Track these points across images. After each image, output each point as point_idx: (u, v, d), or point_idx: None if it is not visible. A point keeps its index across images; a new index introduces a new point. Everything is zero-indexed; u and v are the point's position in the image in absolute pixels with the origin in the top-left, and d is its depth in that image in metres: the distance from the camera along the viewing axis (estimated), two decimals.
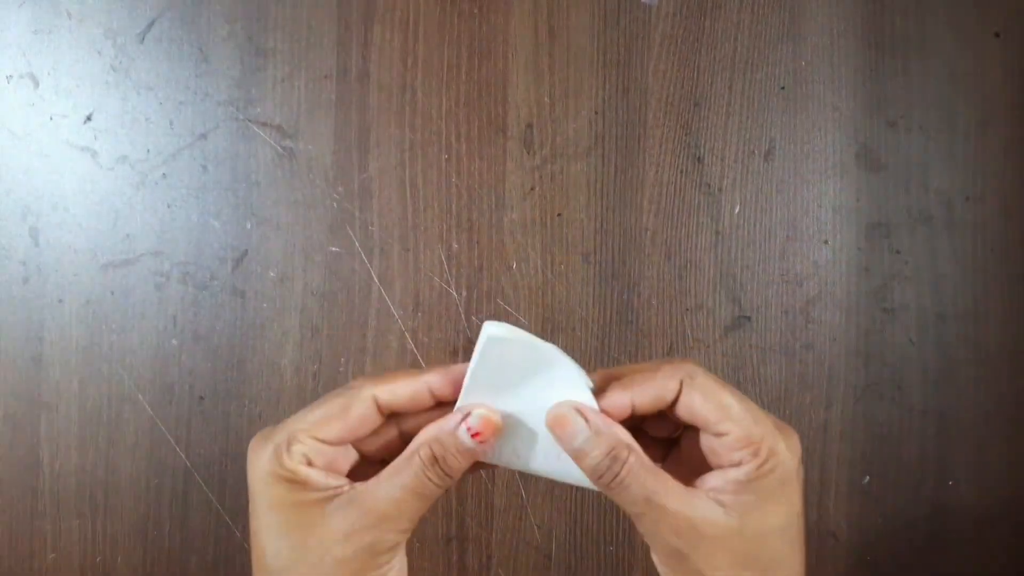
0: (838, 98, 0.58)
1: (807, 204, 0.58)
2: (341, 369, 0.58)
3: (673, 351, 0.58)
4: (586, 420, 0.31)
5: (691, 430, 0.33)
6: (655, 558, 0.32)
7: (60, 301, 0.58)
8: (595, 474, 0.31)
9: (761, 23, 0.58)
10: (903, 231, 0.58)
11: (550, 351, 0.31)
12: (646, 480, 0.30)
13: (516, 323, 0.57)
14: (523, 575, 0.58)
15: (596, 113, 0.58)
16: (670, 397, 0.31)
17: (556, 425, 0.31)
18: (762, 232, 0.58)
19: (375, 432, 0.32)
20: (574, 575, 0.58)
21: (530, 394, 0.32)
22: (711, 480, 0.31)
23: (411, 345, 0.58)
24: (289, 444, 0.30)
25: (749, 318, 0.58)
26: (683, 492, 0.30)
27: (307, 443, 0.30)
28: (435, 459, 0.30)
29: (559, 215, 0.58)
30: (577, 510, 0.57)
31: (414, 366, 0.58)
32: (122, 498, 0.58)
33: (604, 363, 0.58)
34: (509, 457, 0.33)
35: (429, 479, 0.30)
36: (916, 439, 0.58)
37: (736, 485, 0.30)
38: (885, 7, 0.58)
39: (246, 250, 0.58)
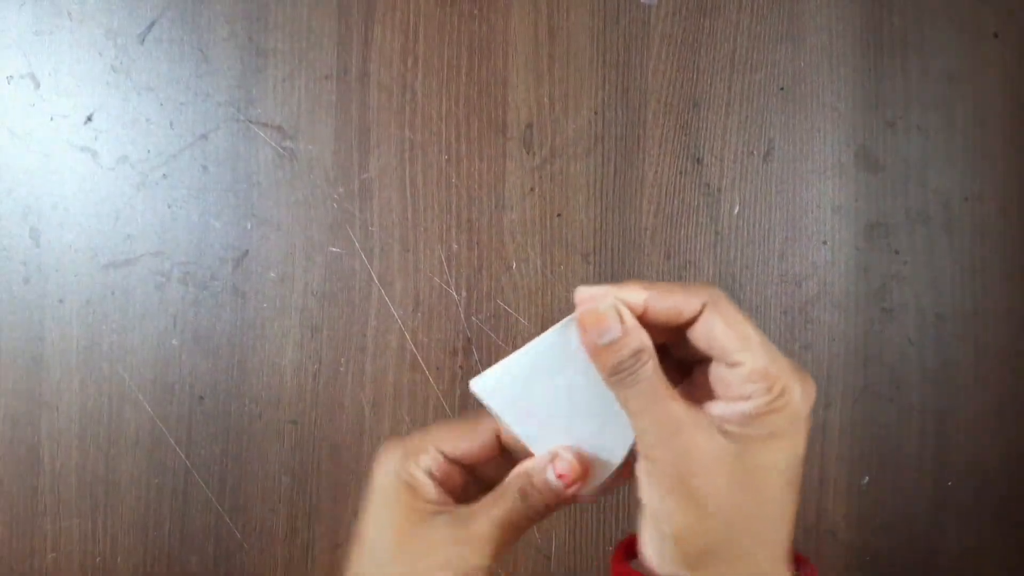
0: (837, 98, 0.58)
1: (806, 204, 0.58)
2: (341, 369, 0.58)
3: None
4: (621, 320, 0.30)
5: (702, 366, 0.32)
6: (645, 482, 0.31)
7: (61, 301, 0.58)
8: (616, 370, 0.30)
9: (760, 23, 0.58)
10: (902, 231, 0.58)
11: (525, 355, 0.32)
12: (658, 389, 0.30)
13: (516, 323, 0.58)
14: (522, 575, 0.58)
15: (596, 113, 0.58)
16: (689, 313, 0.30)
17: (590, 320, 0.31)
18: (761, 232, 0.58)
19: (491, 461, 0.35)
20: (573, 575, 0.58)
21: (559, 395, 0.33)
22: (716, 408, 0.30)
23: (411, 345, 0.58)
24: (418, 452, 0.33)
25: None
26: (690, 408, 0.30)
27: (435, 456, 0.33)
28: (525, 494, 0.32)
29: (559, 215, 0.58)
30: (577, 510, 0.58)
31: (414, 366, 0.58)
32: (122, 497, 0.58)
33: None
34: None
35: (520, 512, 0.32)
36: (915, 439, 0.58)
37: (742, 417, 0.29)
38: (884, 7, 0.58)
39: (246, 250, 0.58)
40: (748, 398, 0.29)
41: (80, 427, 0.58)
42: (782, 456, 0.30)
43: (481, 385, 0.32)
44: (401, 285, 0.58)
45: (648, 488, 0.30)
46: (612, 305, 0.30)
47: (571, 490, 0.32)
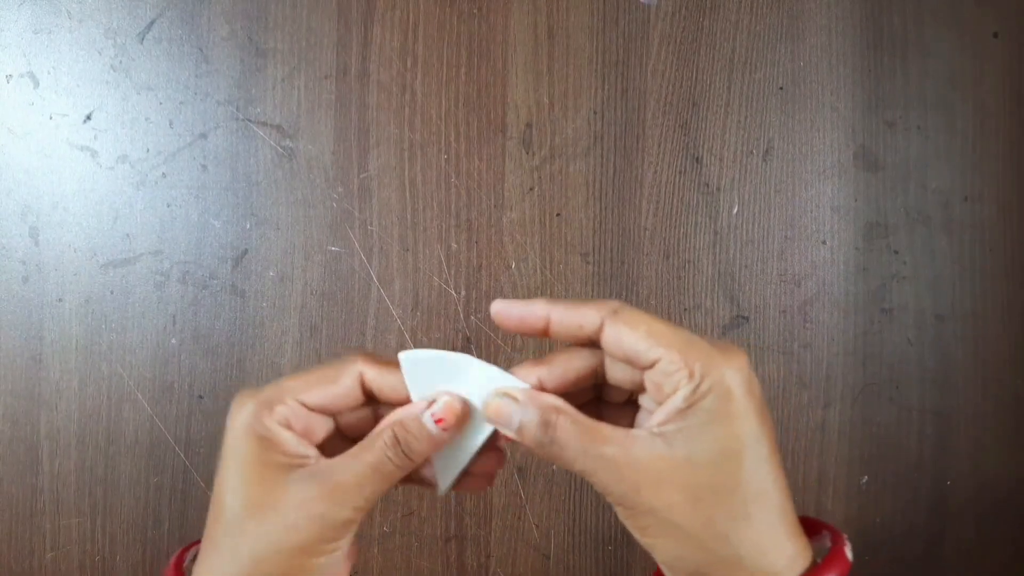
0: (836, 98, 0.58)
1: (805, 204, 0.58)
2: None
3: None
4: (514, 400, 0.31)
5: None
6: (619, 514, 0.30)
7: (60, 300, 0.58)
8: (536, 446, 0.30)
9: (760, 23, 0.58)
10: (901, 231, 0.58)
11: (463, 359, 0.33)
12: (581, 436, 0.29)
13: None
14: (522, 574, 0.58)
15: (595, 113, 0.58)
16: (589, 327, 0.30)
17: (495, 416, 0.31)
18: (760, 232, 0.58)
19: (354, 409, 0.33)
20: (573, 574, 0.58)
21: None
22: (655, 416, 0.29)
23: (410, 345, 0.58)
24: (272, 404, 0.31)
25: (747, 318, 0.58)
26: (621, 436, 0.29)
27: (290, 405, 0.31)
28: (397, 441, 0.31)
29: (558, 215, 0.58)
30: (576, 509, 0.58)
31: None
32: (121, 496, 0.58)
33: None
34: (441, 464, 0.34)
35: (389, 459, 0.30)
36: (914, 439, 0.58)
37: (675, 414, 0.28)
38: (884, 7, 0.58)
39: (246, 250, 0.58)
40: (675, 391, 0.28)
41: (79, 426, 0.58)
42: (729, 441, 0.28)
43: (408, 357, 0.32)
44: (400, 284, 0.58)
45: (630, 528, 0.30)
46: (502, 394, 0.31)
47: (446, 434, 0.31)
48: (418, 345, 0.58)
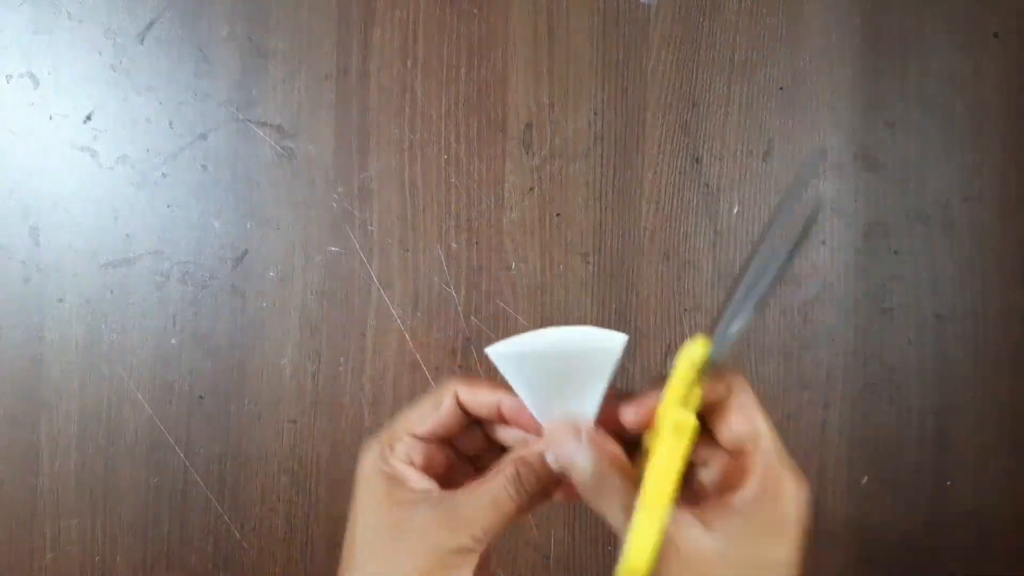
0: (836, 99, 0.58)
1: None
2: (340, 369, 0.58)
3: (672, 351, 0.58)
4: (578, 436, 0.31)
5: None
6: None
7: (60, 300, 0.58)
8: (582, 487, 0.31)
9: (760, 24, 0.58)
10: (901, 232, 0.58)
11: (551, 339, 0.32)
12: (627, 495, 0.30)
13: (515, 324, 0.58)
14: (522, 574, 0.58)
15: (595, 113, 0.58)
16: (717, 398, 0.31)
17: (551, 442, 0.32)
18: (760, 232, 0.58)
19: (466, 434, 0.34)
20: (572, 575, 0.58)
21: (568, 397, 0.33)
22: (707, 505, 0.30)
23: (410, 345, 0.58)
24: (392, 443, 0.33)
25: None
26: (674, 512, 0.29)
27: (406, 441, 0.33)
28: (519, 477, 0.31)
29: (558, 215, 0.58)
30: (576, 510, 0.58)
31: (413, 366, 0.58)
32: (121, 497, 0.58)
33: None
34: None
35: (509, 495, 0.31)
36: (914, 439, 0.58)
37: (731, 511, 0.29)
38: (883, 8, 0.58)
39: (246, 250, 0.58)
40: (740, 489, 0.29)
41: (79, 427, 0.58)
42: (772, 555, 0.29)
43: (497, 352, 0.32)
44: (400, 285, 0.58)
45: None
46: (567, 426, 0.32)
47: (562, 466, 0.32)
48: (418, 345, 0.58)
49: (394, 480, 0.32)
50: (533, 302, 0.58)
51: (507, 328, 0.58)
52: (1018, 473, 0.58)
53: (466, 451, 0.35)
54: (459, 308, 0.58)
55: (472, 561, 0.31)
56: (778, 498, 0.29)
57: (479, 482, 0.32)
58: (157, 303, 0.58)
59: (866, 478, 0.58)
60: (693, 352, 0.31)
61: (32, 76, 0.58)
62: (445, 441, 0.34)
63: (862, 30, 0.58)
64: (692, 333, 0.58)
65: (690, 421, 0.30)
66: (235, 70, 0.58)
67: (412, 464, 0.33)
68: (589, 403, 0.32)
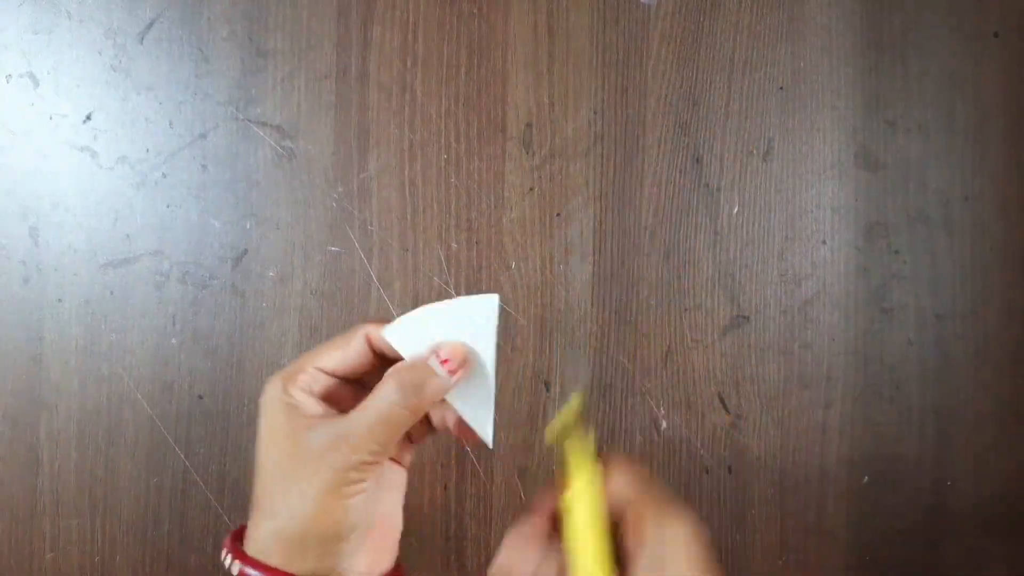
0: (837, 98, 0.58)
1: (806, 204, 0.58)
2: None
3: (672, 351, 0.58)
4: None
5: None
6: None
7: (60, 301, 0.58)
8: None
9: (760, 23, 0.58)
10: (902, 231, 0.58)
11: (434, 308, 0.35)
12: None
13: (515, 323, 0.58)
14: None
15: (595, 113, 0.58)
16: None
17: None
18: (761, 232, 0.58)
19: (377, 374, 0.35)
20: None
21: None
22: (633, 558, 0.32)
23: None
24: (294, 375, 0.34)
25: (748, 318, 0.58)
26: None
27: (310, 372, 0.34)
28: (404, 384, 0.33)
29: (558, 215, 0.58)
30: None
31: None
32: (121, 497, 0.58)
33: (603, 362, 0.58)
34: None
35: (396, 404, 0.33)
36: (915, 439, 0.58)
37: (641, 559, 0.32)
38: (884, 7, 0.58)
39: (246, 250, 0.58)
40: (637, 548, 0.32)
41: (79, 427, 0.58)
42: None
43: (391, 330, 0.35)
44: (400, 284, 0.58)
45: None
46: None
47: (455, 377, 0.34)
48: None
49: (292, 408, 0.33)
50: (533, 302, 0.58)
51: (507, 327, 0.58)
52: (1018, 473, 0.58)
53: (371, 387, 0.36)
54: None
55: (374, 471, 0.33)
56: (663, 543, 0.32)
57: (368, 399, 0.33)
58: (157, 303, 0.58)
59: (866, 478, 0.58)
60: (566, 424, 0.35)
61: (32, 76, 0.58)
62: (355, 380, 0.36)
63: (862, 29, 0.58)
64: (692, 333, 0.58)
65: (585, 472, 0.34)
66: (235, 70, 0.58)
67: (311, 394, 0.34)
68: (485, 358, 0.35)
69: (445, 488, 0.58)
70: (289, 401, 0.34)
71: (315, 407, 0.34)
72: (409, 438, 0.37)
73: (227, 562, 0.33)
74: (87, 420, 0.58)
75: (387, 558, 0.35)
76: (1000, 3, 0.58)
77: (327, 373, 0.35)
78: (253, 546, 0.33)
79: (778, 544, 0.57)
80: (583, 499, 0.34)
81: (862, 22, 0.58)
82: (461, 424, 0.36)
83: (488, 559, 0.57)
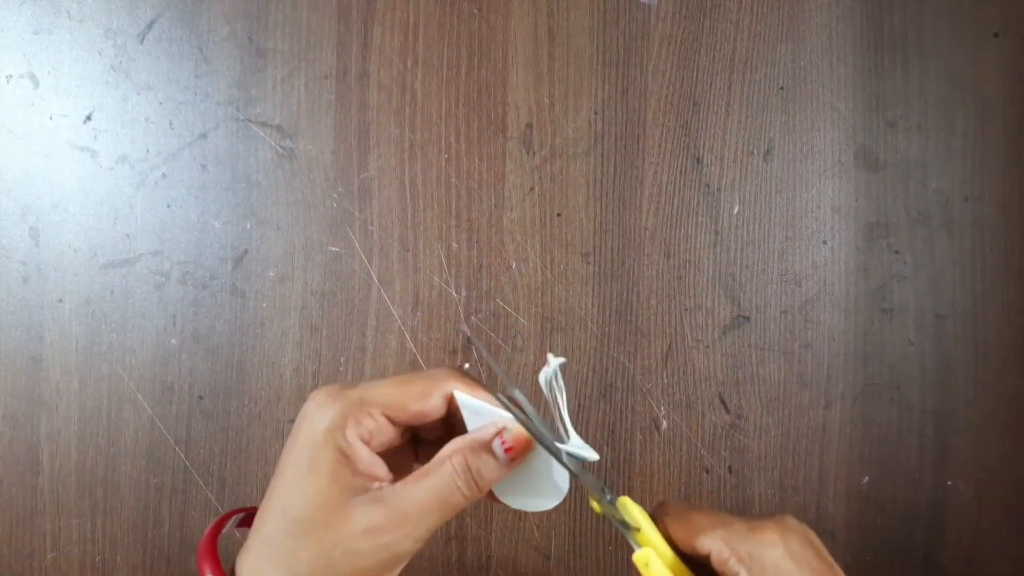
0: (837, 98, 0.58)
1: (806, 204, 0.58)
2: (340, 368, 0.58)
3: (672, 351, 0.58)
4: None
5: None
6: None
7: (60, 301, 0.58)
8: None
9: (760, 23, 0.58)
10: (902, 231, 0.58)
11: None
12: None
13: (515, 323, 0.58)
14: (522, 575, 0.58)
15: (595, 113, 0.58)
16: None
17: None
18: (761, 232, 0.58)
19: (435, 423, 0.32)
20: (573, 575, 0.58)
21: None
22: None
23: (410, 345, 0.58)
24: (360, 416, 0.30)
25: (748, 318, 0.58)
26: None
27: (378, 420, 0.30)
28: (468, 468, 0.30)
29: (558, 215, 0.58)
30: (576, 510, 0.57)
31: (414, 366, 0.58)
32: (122, 497, 0.58)
33: (603, 363, 0.58)
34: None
35: (458, 488, 0.30)
36: (915, 439, 0.58)
37: None
38: (884, 7, 0.58)
39: (246, 250, 0.58)
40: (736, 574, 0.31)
41: (79, 427, 0.58)
42: None
43: (461, 399, 0.32)
44: (400, 284, 0.58)
45: None
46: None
47: (514, 463, 0.31)
48: (418, 345, 0.58)
49: (345, 457, 0.29)
50: (533, 302, 0.58)
51: (507, 327, 0.58)
52: (1018, 473, 0.58)
53: (425, 437, 0.33)
54: (459, 308, 0.58)
55: (407, 560, 0.30)
56: (759, 561, 0.31)
57: (422, 474, 0.30)
58: (157, 303, 0.58)
59: (866, 478, 0.58)
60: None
61: (32, 76, 0.58)
62: (410, 426, 0.32)
63: (863, 29, 0.58)
64: (693, 332, 0.58)
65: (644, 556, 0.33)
66: (235, 70, 0.58)
67: (370, 444, 0.30)
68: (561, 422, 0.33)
69: None
70: (344, 447, 0.29)
71: (369, 464, 0.30)
72: None
73: None
74: (87, 420, 0.58)
75: None
76: (1000, 3, 0.58)
77: (395, 423, 0.31)
78: (249, 567, 0.30)
79: None
80: (654, 550, 0.34)
81: (862, 22, 0.58)
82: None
83: (488, 559, 0.57)
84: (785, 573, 0.30)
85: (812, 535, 0.32)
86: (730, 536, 0.32)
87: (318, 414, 0.30)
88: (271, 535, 0.30)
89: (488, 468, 0.31)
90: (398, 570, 0.30)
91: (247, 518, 0.32)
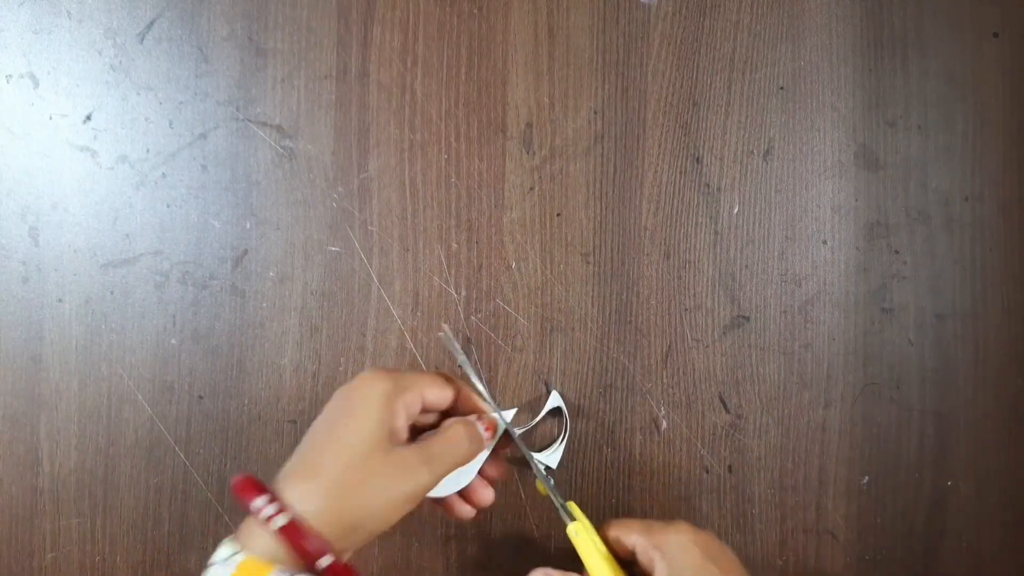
0: (837, 98, 0.58)
1: (806, 204, 0.58)
2: (340, 368, 0.58)
3: (672, 351, 0.58)
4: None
5: None
6: None
7: (60, 301, 0.58)
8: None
9: (760, 23, 0.58)
10: (902, 231, 0.58)
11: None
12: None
13: (515, 323, 0.58)
14: (522, 575, 0.58)
15: (595, 113, 0.58)
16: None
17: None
18: (761, 232, 0.58)
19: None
20: None
21: None
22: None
23: (410, 344, 0.58)
24: (406, 390, 0.40)
25: (748, 318, 0.58)
26: None
27: (415, 400, 0.41)
28: (472, 437, 0.42)
29: (558, 215, 0.58)
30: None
31: (414, 365, 0.58)
32: (121, 497, 0.58)
33: (602, 363, 0.58)
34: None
35: (463, 440, 0.41)
36: (915, 439, 0.58)
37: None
38: (884, 7, 0.58)
39: (246, 250, 0.58)
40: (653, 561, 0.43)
41: (79, 427, 0.58)
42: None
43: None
44: (400, 284, 0.58)
45: None
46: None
47: (488, 439, 0.44)
48: (418, 345, 0.58)
49: (395, 416, 0.39)
50: (533, 301, 0.58)
51: (507, 327, 0.58)
52: (1018, 473, 0.58)
53: (419, 422, 0.44)
54: (459, 307, 0.58)
55: (422, 496, 0.39)
56: (667, 549, 0.42)
57: (436, 434, 0.41)
58: (157, 303, 0.58)
59: (866, 478, 0.58)
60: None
61: (32, 76, 0.58)
62: (428, 409, 0.43)
63: (863, 29, 0.58)
64: (693, 333, 0.58)
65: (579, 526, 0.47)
66: (235, 70, 0.58)
67: (407, 415, 0.40)
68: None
69: None
70: (395, 407, 0.39)
71: (403, 427, 0.39)
72: None
73: (267, 511, 0.35)
74: (87, 420, 0.58)
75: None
76: (1000, 3, 0.58)
77: (424, 405, 0.41)
78: (300, 507, 0.35)
79: (778, 544, 0.57)
80: (583, 526, 0.46)
81: (862, 22, 0.58)
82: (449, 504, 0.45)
83: (488, 559, 0.57)
84: (691, 554, 0.41)
85: (718, 539, 0.44)
86: (650, 530, 0.43)
87: (374, 382, 0.39)
88: (318, 461, 0.37)
89: (478, 434, 0.43)
90: (414, 505, 0.38)
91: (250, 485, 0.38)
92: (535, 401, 0.58)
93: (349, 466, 0.36)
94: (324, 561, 0.34)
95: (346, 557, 0.37)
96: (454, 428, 0.41)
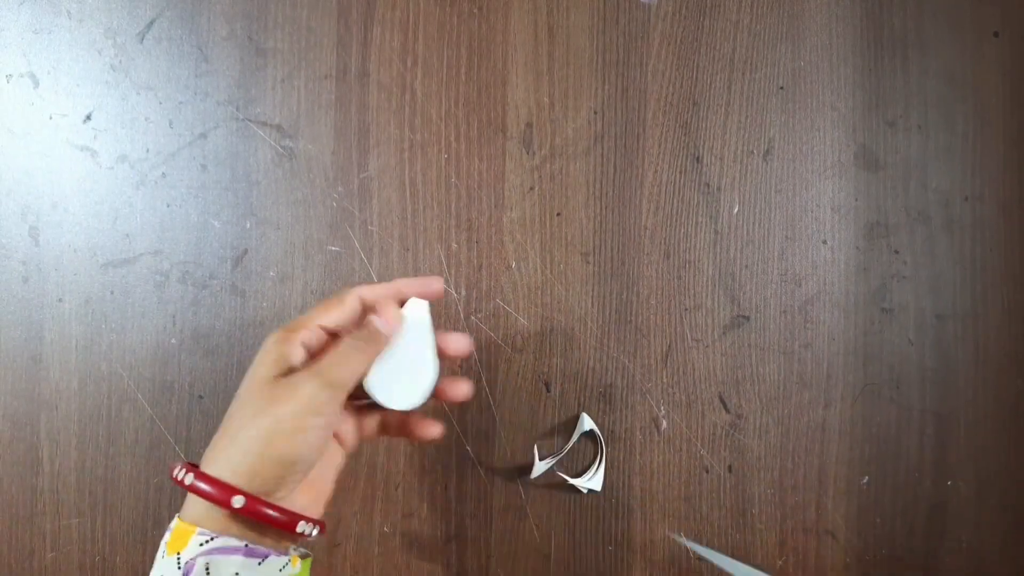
0: (837, 98, 0.58)
1: (806, 204, 0.58)
2: None
3: (672, 351, 0.58)
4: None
5: None
6: None
7: (60, 300, 0.58)
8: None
9: (760, 23, 0.58)
10: (902, 231, 0.58)
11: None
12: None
13: (515, 323, 0.58)
14: (522, 575, 0.58)
15: (595, 113, 0.58)
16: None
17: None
18: (761, 232, 0.58)
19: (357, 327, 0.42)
20: (573, 575, 0.58)
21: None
22: None
23: None
24: (297, 329, 0.40)
25: (748, 317, 0.58)
26: None
27: (311, 329, 0.40)
28: (359, 336, 0.40)
29: (558, 214, 0.58)
30: (576, 510, 0.57)
31: None
32: (121, 497, 0.58)
33: (603, 362, 0.58)
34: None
35: (354, 348, 0.40)
36: (914, 439, 0.58)
37: None
38: (884, 7, 0.58)
39: (246, 249, 0.58)
40: None
41: (79, 426, 0.58)
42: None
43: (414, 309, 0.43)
44: None
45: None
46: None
47: (392, 328, 0.42)
48: None
49: (282, 357, 0.39)
50: (533, 301, 0.58)
51: (507, 327, 0.58)
52: (1018, 473, 0.58)
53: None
54: (459, 307, 0.58)
55: (330, 413, 0.38)
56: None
57: (332, 347, 0.40)
58: (157, 303, 0.58)
59: (866, 478, 0.58)
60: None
61: (32, 76, 0.58)
62: (340, 331, 0.42)
63: (863, 29, 0.58)
64: (693, 332, 0.58)
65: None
66: (234, 70, 0.58)
67: (305, 347, 0.40)
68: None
69: (445, 488, 0.58)
70: (282, 351, 0.39)
71: (302, 357, 0.39)
72: (360, 430, 0.44)
73: (180, 474, 0.36)
74: (87, 419, 0.58)
75: (317, 510, 0.41)
76: (1000, 3, 0.58)
77: (325, 330, 0.41)
78: (210, 467, 0.36)
79: (778, 544, 0.57)
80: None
81: (862, 22, 0.58)
82: (402, 425, 0.44)
83: (487, 559, 0.57)
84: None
85: None
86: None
87: (268, 338, 0.40)
88: (223, 429, 0.38)
89: (375, 332, 0.41)
90: (324, 419, 0.38)
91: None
92: (535, 403, 0.58)
93: (243, 412, 0.37)
94: (236, 502, 0.35)
95: (283, 497, 0.38)
96: (343, 337, 0.41)
